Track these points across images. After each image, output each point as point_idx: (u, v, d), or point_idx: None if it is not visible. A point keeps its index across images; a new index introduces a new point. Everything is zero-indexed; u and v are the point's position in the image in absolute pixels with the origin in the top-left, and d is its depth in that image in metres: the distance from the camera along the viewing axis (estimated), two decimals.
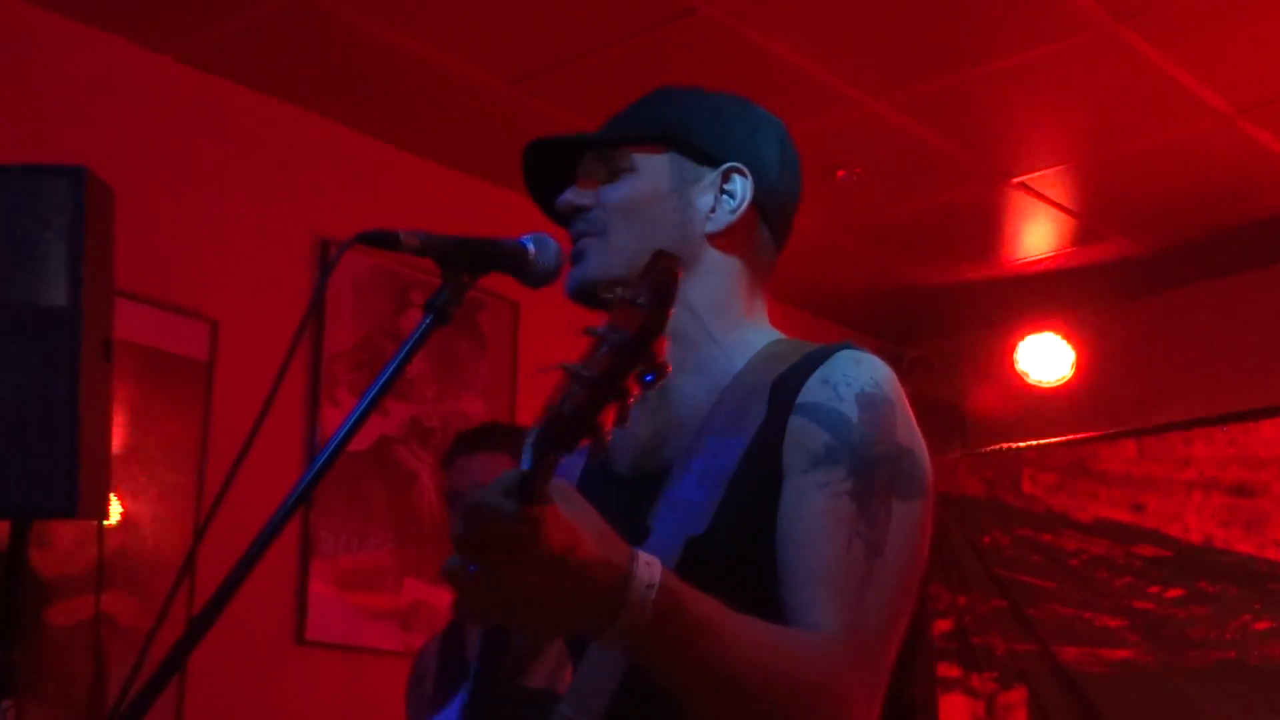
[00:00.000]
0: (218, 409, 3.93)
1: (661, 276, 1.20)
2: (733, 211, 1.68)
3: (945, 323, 5.96)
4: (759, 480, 1.53)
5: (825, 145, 4.50)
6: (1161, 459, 5.14)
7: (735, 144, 1.72)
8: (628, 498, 1.63)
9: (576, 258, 1.67)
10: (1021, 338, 5.73)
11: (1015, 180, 4.79)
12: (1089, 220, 5.12)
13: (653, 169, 1.69)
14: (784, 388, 1.58)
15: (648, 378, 1.19)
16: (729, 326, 1.68)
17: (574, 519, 1.25)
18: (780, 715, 1.38)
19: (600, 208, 1.68)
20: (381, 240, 1.56)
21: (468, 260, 1.59)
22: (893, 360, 5.40)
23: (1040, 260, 5.47)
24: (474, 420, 4.28)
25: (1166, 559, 5.05)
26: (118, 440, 3.41)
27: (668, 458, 1.63)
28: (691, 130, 1.71)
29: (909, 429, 1.55)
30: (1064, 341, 5.69)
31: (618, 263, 1.65)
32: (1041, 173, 4.76)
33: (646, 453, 1.67)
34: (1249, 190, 4.86)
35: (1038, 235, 5.30)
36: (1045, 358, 5.71)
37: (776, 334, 1.71)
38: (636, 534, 1.57)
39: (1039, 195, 4.91)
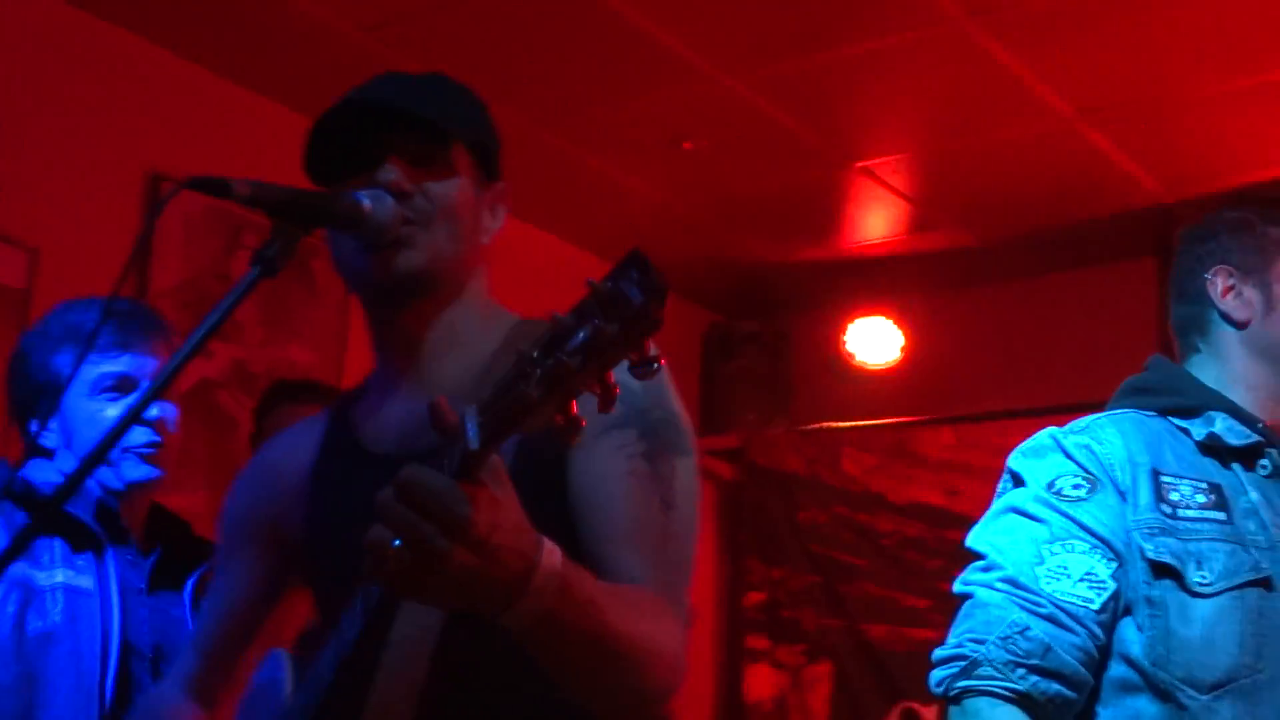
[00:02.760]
0: None
1: (652, 273, 1.20)
2: (498, 226, 1.78)
3: (780, 299, 6.01)
4: (543, 449, 1.54)
5: (675, 116, 4.51)
6: (978, 446, 5.26)
7: (497, 162, 1.79)
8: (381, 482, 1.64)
9: (400, 241, 1.65)
10: (852, 319, 5.81)
11: (859, 165, 4.84)
12: (926, 209, 5.20)
13: (469, 175, 1.73)
14: None
15: (643, 366, 1.21)
16: (481, 313, 1.75)
17: (499, 501, 1.28)
18: (635, 671, 1.47)
19: (425, 198, 1.67)
20: (212, 186, 1.51)
21: (301, 213, 1.55)
22: (723, 335, 5.39)
23: (876, 245, 5.54)
24: (300, 369, 4.21)
25: None
26: None
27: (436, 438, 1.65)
28: (489, 145, 1.77)
29: (675, 397, 1.67)
30: (893, 326, 5.79)
31: (438, 260, 1.68)
32: (884, 159, 4.83)
33: (412, 433, 1.67)
34: (1083, 192, 4.98)
35: (876, 220, 5.37)
36: (874, 340, 5.80)
37: (511, 314, 1.79)
38: None
39: (880, 181, 4.97)
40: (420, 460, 1.51)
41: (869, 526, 5.39)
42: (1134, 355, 5.37)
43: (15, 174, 3.86)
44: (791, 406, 5.99)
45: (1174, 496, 2.03)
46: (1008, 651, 1.96)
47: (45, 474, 2.43)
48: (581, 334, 1.19)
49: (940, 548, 5.23)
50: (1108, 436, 2.10)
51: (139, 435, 2.41)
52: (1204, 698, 1.92)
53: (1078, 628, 1.96)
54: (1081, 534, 2.00)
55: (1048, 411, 5.12)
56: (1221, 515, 2.02)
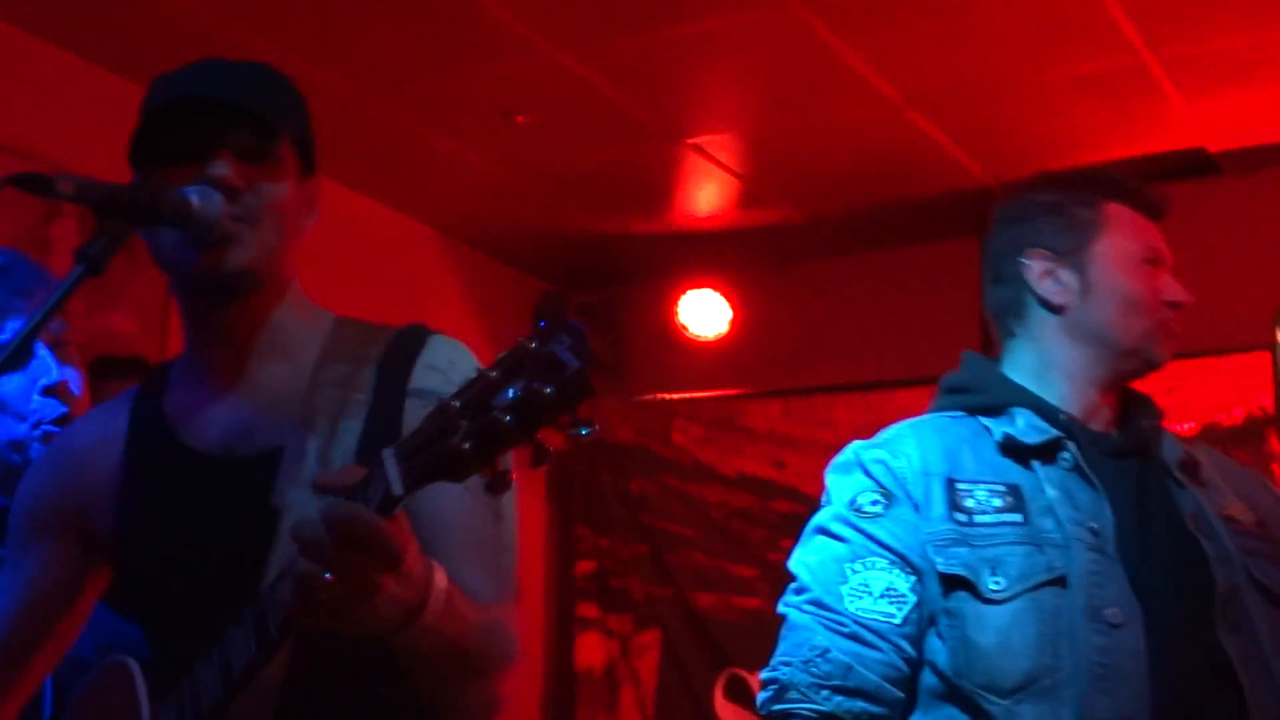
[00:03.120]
0: None
1: (584, 338, 1.25)
2: (312, 218, 1.77)
3: (612, 272, 6.06)
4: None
5: (507, 90, 4.51)
6: (804, 420, 5.37)
7: (314, 155, 1.78)
8: (232, 479, 1.66)
9: (228, 239, 1.64)
10: (683, 292, 5.88)
11: (689, 141, 4.90)
12: (755, 186, 5.28)
13: (291, 168, 1.72)
14: (389, 372, 1.68)
15: (582, 432, 1.26)
16: (302, 314, 1.76)
17: (407, 532, 1.38)
18: (488, 677, 1.57)
19: (254, 196, 1.66)
20: (34, 184, 1.48)
21: (127, 210, 1.53)
22: (557, 304, 5.39)
23: (707, 219, 5.61)
24: (123, 339, 4.14)
25: (802, 515, 5.19)
26: None
27: (268, 441, 1.66)
28: (309, 139, 1.75)
29: None
30: (723, 299, 5.87)
31: (264, 257, 1.68)
32: (714, 136, 4.89)
33: (240, 436, 1.69)
34: (908, 173, 5.10)
35: (706, 195, 5.44)
36: (704, 313, 5.88)
37: (329, 313, 1.79)
38: (263, 514, 1.62)
39: (710, 158, 5.03)
40: (257, 463, 1.53)
41: (697, 497, 5.47)
42: (955, 332, 5.56)
43: None
44: (623, 377, 6.05)
45: (969, 503, 2.03)
46: (810, 674, 2.00)
47: None
48: (511, 391, 1.23)
49: (766, 518, 5.33)
50: (904, 449, 2.10)
51: (44, 408, 2.20)
52: (1005, 702, 1.94)
53: (881, 643, 1.99)
54: (880, 550, 2.03)
55: (872, 386, 5.28)
56: (1018, 517, 2.01)
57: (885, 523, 2.04)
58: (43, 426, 2.16)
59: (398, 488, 1.29)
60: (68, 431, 1.90)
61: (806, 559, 2.09)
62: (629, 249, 5.86)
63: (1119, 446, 2.12)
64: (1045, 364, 2.15)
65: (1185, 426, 4.62)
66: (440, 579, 1.42)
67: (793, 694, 2.01)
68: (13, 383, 2.11)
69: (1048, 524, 2.01)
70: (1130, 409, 2.18)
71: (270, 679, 1.55)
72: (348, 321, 1.77)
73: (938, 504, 2.03)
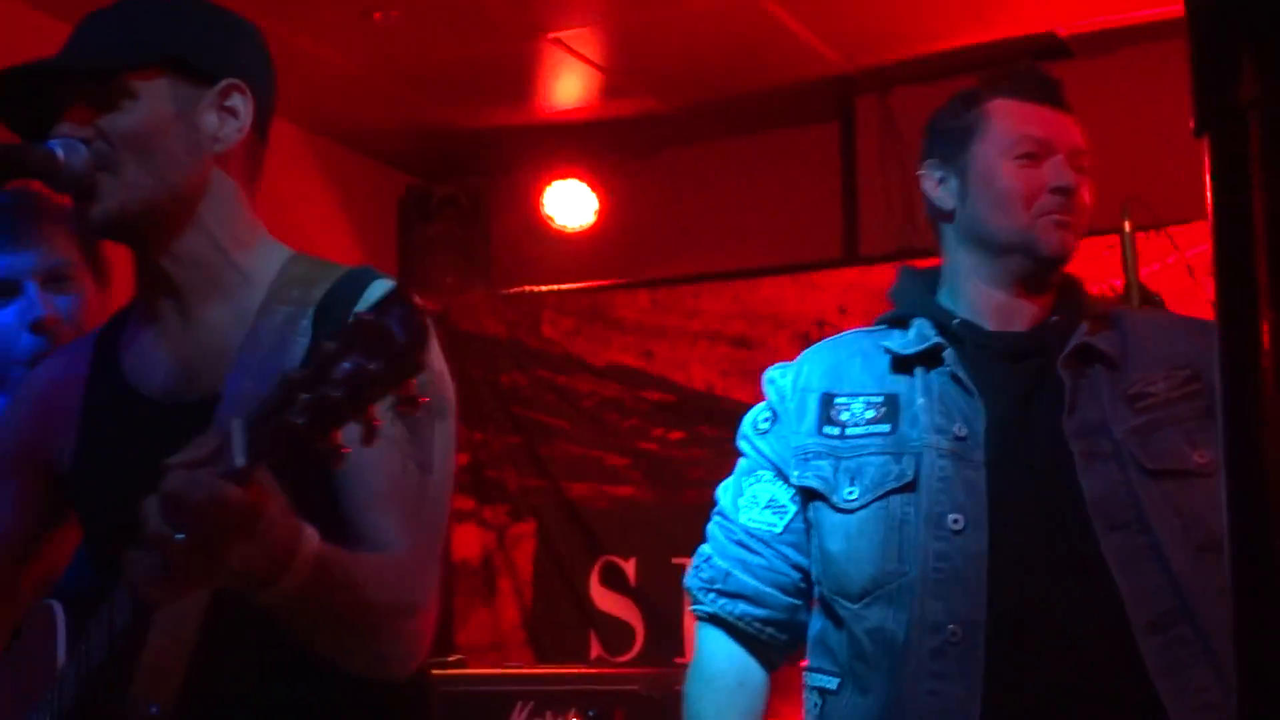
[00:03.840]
0: None
1: (416, 313, 1.27)
2: (239, 131, 1.68)
3: (477, 164, 6.05)
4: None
5: None
6: (672, 310, 5.42)
7: (228, 58, 1.69)
8: (173, 425, 1.62)
9: (87, 192, 1.63)
10: (549, 183, 5.89)
11: (549, 35, 4.90)
12: (617, 77, 5.29)
13: (154, 95, 1.65)
14: (328, 316, 1.63)
15: (407, 404, 1.30)
16: (245, 249, 1.71)
17: (265, 494, 1.37)
18: (383, 636, 1.58)
19: (103, 140, 1.63)
20: None
21: None
22: (422, 197, 5.37)
23: (570, 111, 5.62)
24: None
25: (671, 404, 5.36)
26: None
27: (208, 386, 1.65)
28: (185, 48, 1.67)
29: (438, 354, 1.63)
30: (589, 189, 5.89)
31: (134, 199, 1.64)
32: (574, 30, 4.89)
33: (180, 381, 1.70)
34: (766, 60, 5.14)
35: (568, 87, 5.44)
36: (570, 204, 5.89)
37: (283, 248, 1.75)
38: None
39: (570, 50, 5.03)
40: (196, 408, 1.56)
41: (568, 388, 5.52)
42: (818, 219, 5.64)
43: None
44: (491, 270, 6.05)
45: (844, 416, 2.10)
46: (699, 579, 2.19)
47: None
48: (346, 364, 1.26)
49: (637, 408, 5.40)
50: (795, 367, 2.20)
51: (32, 345, 2.10)
52: (854, 606, 2.03)
53: (764, 550, 2.14)
54: (765, 464, 2.17)
55: (737, 275, 5.35)
56: (885, 428, 2.07)
57: (770, 438, 2.18)
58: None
59: (240, 461, 1.32)
60: (38, 369, 1.89)
61: (726, 478, 2.25)
62: (493, 141, 5.85)
63: (1015, 348, 2.11)
64: (951, 271, 2.18)
65: None
66: (309, 542, 1.43)
67: (693, 597, 2.19)
68: (3, 316, 2.07)
69: (913, 432, 2.06)
70: (1060, 303, 2.16)
71: (187, 623, 1.58)
72: (299, 259, 1.73)
73: (808, 419, 2.13)
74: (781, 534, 2.13)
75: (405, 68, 5.16)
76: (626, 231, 5.84)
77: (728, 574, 2.15)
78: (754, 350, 5.23)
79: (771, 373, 2.25)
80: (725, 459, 5.14)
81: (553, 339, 5.59)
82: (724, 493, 2.23)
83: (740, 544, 2.16)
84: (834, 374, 2.16)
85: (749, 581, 2.14)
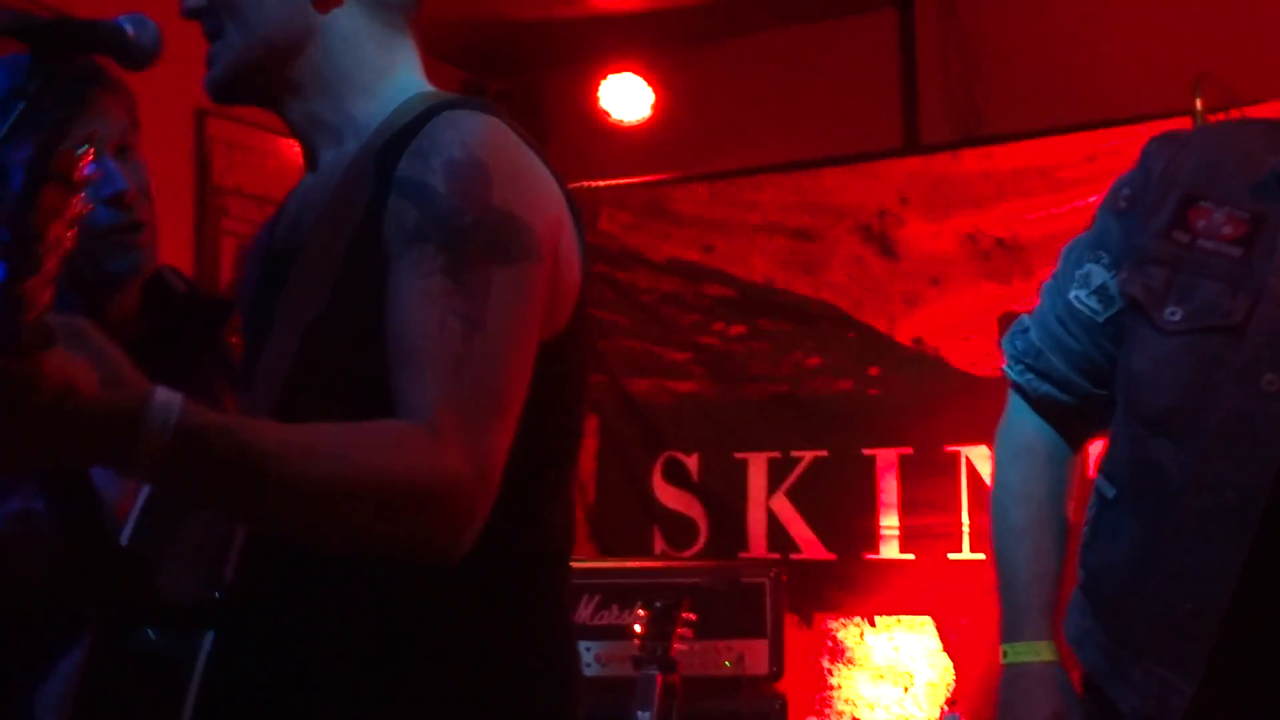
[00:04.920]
0: None
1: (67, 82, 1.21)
2: None
3: (531, 58, 5.98)
4: (368, 264, 1.48)
5: None
6: (731, 202, 5.37)
7: None
8: (267, 276, 1.64)
9: (209, 62, 1.63)
10: (604, 76, 5.81)
11: None
12: None
13: None
14: (386, 160, 1.52)
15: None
16: (360, 92, 1.63)
17: (78, 362, 1.23)
18: (368, 513, 1.35)
19: (211, 9, 1.62)
20: None
21: (63, 43, 1.51)
22: (476, 92, 5.35)
23: (624, 1, 5.53)
24: None
25: (731, 298, 5.32)
26: None
27: (299, 238, 1.62)
28: None
29: (509, 191, 1.47)
30: (644, 82, 5.81)
31: (236, 62, 1.62)
32: None
33: (288, 232, 1.66)
34: None
35: None
36: (626, 97, 5.82)
37: (415, 85, 1.65)
38: (269, 318, 1.60)
39: None
40: (290, 257, 1.50)
41: (627, 283, 5.50)
42: (878, 106, 5.54)
43: None
44: (547, 166, 6.00)
45: (1200, 224, 1.91)
46: (1013, 347, 2.12)
47: None
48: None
49: (698, 303, 5.37)
50: (1172, 149, 2.00)
51: (108, 217, 1.99)
52: (1141, 431, 1.92)
53: (1081, 335, 2.04)
54: (1109, 247, 2.02)
55: (797, 166, 5.29)
56: (1237, 250, 1.87)
57: (1123, 221, 2.01)
58: (106, 241, 1.99)
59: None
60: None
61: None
62: (546, 34, 5.77)
63: None
64: None
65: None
66: (164, 413, 1.25)
67: (1006, 361, 2.13)
68: None
69: (1264, 266, 1.86)
70: None
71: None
72: (415, 100, 1.60)
73: (1160, 217, 1.94)
74: (1103, 324, 2.01)
75: None
76: (683, 124, 5.76)
77: (1039, 351, 2.08)
78: (814, 242, 5.18)
79: (1150, 146, 2.03)
80: (786, 352, 5.19)
81: (611, 234, 5.55)
82: (1069, 252, 2.08)
83: (1060, 321, 2.06)
84: (1208, 171, 1.94)
85: (1059, 365, 2.06)
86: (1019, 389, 2.12)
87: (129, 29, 1.55)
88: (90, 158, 1.23)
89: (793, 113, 5.61)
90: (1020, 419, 2.12)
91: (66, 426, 1.22)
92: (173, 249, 4.34)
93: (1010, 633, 2.05)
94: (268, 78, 1.63)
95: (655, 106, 5.79)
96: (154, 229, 2.02)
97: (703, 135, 5.72)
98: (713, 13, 5.58)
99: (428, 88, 1.65)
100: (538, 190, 1.52)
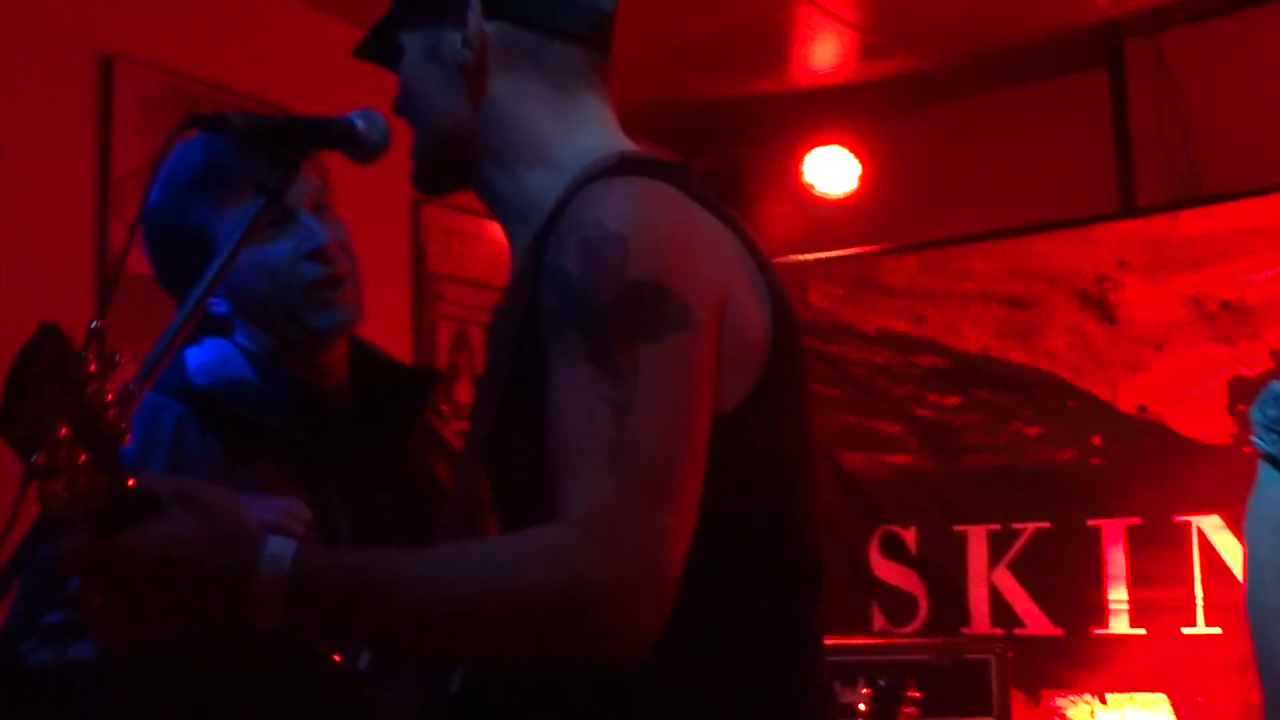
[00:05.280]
0: (1, 236, 3.80)
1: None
2: (469, 47, 1.56)
3: (734, 135, 6.01)
4: (531, 359, 1.41)
5: None
6: (941, 272, 5.31)
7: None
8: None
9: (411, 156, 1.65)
10: (808, 150, 5.81)
11: None
12: (873, 36, 5.19)
13: (410, 48, 1.61)
14: (540, 245, 1.45)
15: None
16: (534, 164, 1.56)
17: (187, 526, 1.25)
18: (511, 636, 1.28)
19: (401, 106, 1.64)
20: (211, 123, 1.52)
21: (298, 139, 1.55)
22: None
23: (827, 74, 5.54)
24: None
25: (945, 368, 5.25)
26: None
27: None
28: None
29: (653, 261, 1.37)
30: (850, 154, 5.79)
31: (422, 153, 1.63)
32: None
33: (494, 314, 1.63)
34: (1027, 10, 4.98)
35: (824, 50, 5.36)
36: (832, 170, 5.80)
37: (595, 149, 1.55)
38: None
39: (825, 11, 4.95)
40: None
41: (839, 356, 5.46)
42: (1091, 170, 5.44)
43: None
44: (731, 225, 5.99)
45: None
46: (1263, 415, 2.12)
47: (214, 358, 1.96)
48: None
49: (910, 374, 5.30)
50: None
51: (309, 272, 1.95)
52: None
53: None
54: None
55: (1008, 233, 5.21)
56: None
57: None
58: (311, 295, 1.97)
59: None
60: None
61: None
62: (749, 110, 5.80)
63: None
64: None
65: None
66: (275, 565, 1.25)
67: (1253, 430, 2.12)
68: (278, 250, 1.93)
69: None
70: None
71: None
72: (599, 160, 1.52)
73: None
74: None
75: (659, 40, 5.14)
76: (891, 195, 5.73)
77: None
78: (1029, 310, 5.09)
79: None
80: (1003, 422, 5.09)
81: (821, 308, 5.53)
82: None
83: None
84: None
85: None
86: (1271, 460, 2.04)
87: (359, 124, 1.60)
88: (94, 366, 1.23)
89: (1002, 178, 5.54)
90: (1268, 489, 2.05)
91: (177, 592, 1.24)
92: (391, 334, 4.44)
93: (1273, 713, 1.97)
94: (454, 164, 1.61)
95: (862, 178, 5.77)
96: (357, 285, 1.99)
97: (910, 205, 5.68)
98: (917, 82, 5.55)
99: (612, 148, 1.55)
100: (693, 255, 1.41)
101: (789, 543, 1.50)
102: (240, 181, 1.87)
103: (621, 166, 1.48)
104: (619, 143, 1.59)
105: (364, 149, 1.61)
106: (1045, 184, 5.42)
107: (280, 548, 1.26)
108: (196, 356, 1.91)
